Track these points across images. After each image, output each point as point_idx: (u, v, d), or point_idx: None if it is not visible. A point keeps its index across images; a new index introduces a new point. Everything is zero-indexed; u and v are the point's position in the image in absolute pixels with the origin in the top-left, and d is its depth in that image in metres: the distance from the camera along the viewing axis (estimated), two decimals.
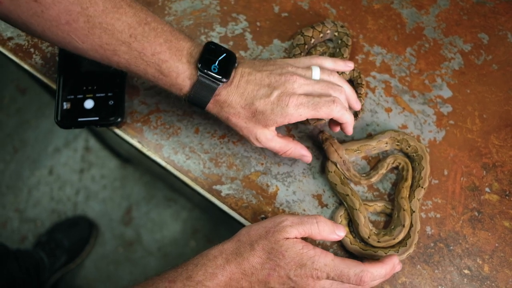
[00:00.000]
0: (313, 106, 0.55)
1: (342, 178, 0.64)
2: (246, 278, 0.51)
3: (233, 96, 0.55)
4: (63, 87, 0.68)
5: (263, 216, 0.65)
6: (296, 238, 0.52)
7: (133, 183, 1.64)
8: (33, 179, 1.65)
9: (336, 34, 0.72)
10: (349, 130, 0.61)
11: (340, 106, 0.56)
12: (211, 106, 0.56)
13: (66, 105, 0.67)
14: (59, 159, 1.67)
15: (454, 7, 0.75)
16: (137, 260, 1.56)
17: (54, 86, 0.69)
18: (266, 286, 0.51)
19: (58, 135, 1.69)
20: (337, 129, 0.63)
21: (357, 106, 0.62)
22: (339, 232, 0.54)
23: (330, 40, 0.74)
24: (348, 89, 0.60)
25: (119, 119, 0.66)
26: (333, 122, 0.63)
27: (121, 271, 1.55)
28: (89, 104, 0.66)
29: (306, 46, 0.71)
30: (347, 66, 0.62)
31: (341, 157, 0.64)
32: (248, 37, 0.74)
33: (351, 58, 0.72)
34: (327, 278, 0.51)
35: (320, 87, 0.57)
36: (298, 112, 0.55)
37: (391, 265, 0.54)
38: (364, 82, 0.70)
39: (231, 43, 0.73)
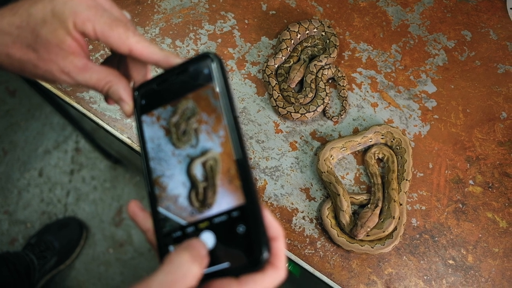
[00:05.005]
0: None
1: (330, 167, 0.65)
2: None
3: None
4: (159, 222, 0.37)
5: None
6: None
7: (124, 184, 1.63)
8: (23, 181, 1.64)
9: (323, 33, 0.73)
10: None
11: None
12: None
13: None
14: (49, 160, 1.67)
15: (438, 5, 0.77)
16: (128, 261, 1.56)
17: (54, 90, 0.69)
18: None
19: (48, 137, 1.69)
20: None
21: None
22: None
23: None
24: None
25: (264, 255, 0.33)
26: None
27: (111, 272, 1.54)
28: (207, 240, 0.35)
29: (293, 41, 0.73)
30: None
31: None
32: (237, 34, 0.75)
33: (338, 55, 0.73)
34: None
35: None
36: None
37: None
38: (344, 75, 0.71)
39: (219, 40, 0.74)
